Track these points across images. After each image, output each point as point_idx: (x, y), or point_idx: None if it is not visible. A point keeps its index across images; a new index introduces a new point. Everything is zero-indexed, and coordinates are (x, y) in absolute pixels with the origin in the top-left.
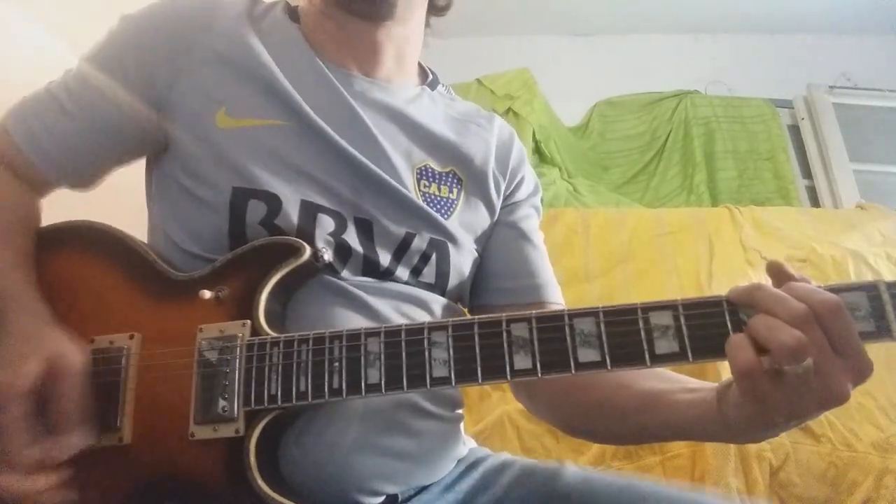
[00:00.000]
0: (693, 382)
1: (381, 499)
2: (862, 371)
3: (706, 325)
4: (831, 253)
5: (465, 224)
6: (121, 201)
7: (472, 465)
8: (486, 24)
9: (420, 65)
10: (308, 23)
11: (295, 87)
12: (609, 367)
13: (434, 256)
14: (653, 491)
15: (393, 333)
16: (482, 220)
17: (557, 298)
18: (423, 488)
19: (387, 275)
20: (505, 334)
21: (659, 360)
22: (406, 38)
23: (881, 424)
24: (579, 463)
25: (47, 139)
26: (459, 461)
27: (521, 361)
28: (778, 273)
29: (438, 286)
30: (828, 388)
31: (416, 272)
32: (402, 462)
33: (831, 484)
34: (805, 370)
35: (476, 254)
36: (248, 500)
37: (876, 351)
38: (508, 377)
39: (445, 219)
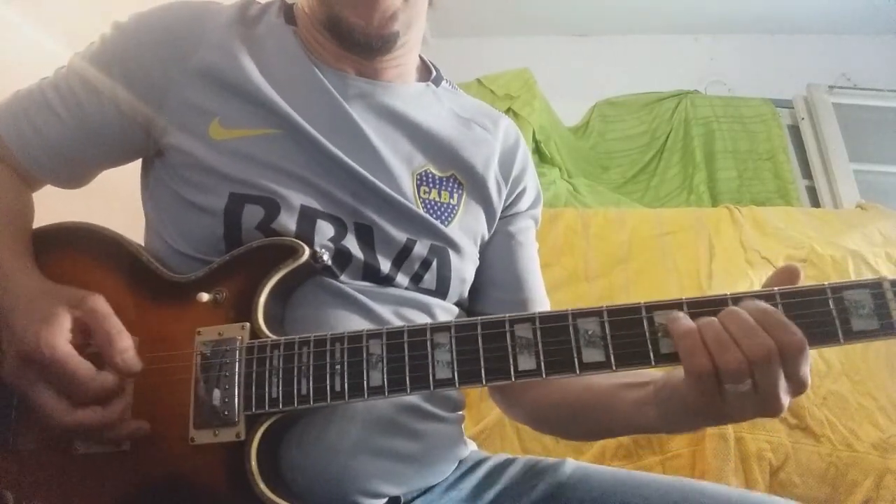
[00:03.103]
0: (636, 376)
1: (384, 500)
2: (799, 391)
3: None
4: (831, 253)
5: (466, 229)
6: (118, 201)
7: (475, 465)
8: (486, 24)
9: (422, 59)
10: (303, 28)
11: (285, 95)
12: (614, 368)
13: (435, 263)
14: (652, 481)
15: (395, 335)
16: (482, 225)
17: None
18: (426, 490)
19: (387, 281)
20: (508, 335)
21: (664, 359)
22: (408, 45)
23: (881, 424)
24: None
25: (35, 140)
26: (461, 462)
27: (526, 362)
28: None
29: (440, 292)
30: (766, 402)
31: (416, 279)
32: (403, 464)
33: (831, 484)
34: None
35: (477, 258)
36: (250, 503)
37: (876, 351)
38: (513, 378)
39: (446, 225)
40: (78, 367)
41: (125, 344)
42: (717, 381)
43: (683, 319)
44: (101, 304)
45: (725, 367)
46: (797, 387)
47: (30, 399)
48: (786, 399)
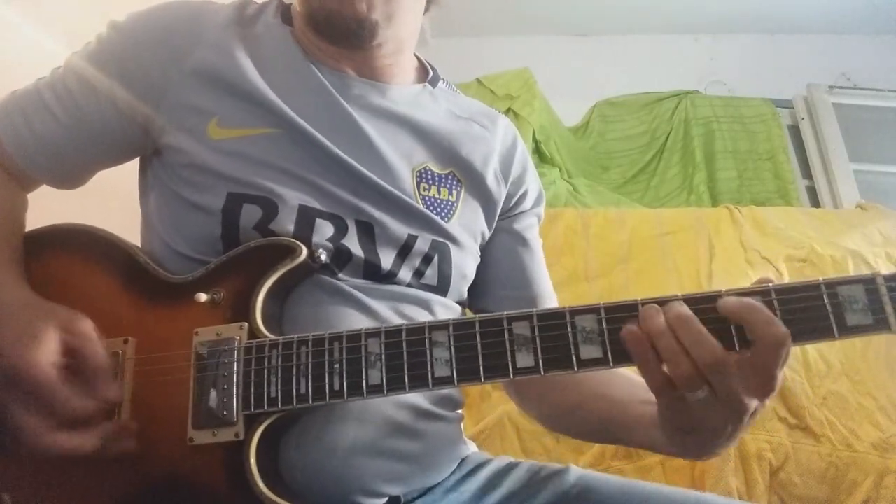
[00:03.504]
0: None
1: (384, 500)
2: (768, 392)
3: (705, 321)
4: (831, 253)
5: (466, 225)
6: (115, 201)
7: (477, 468)
8: (486, 24)
9: (420, 60)
10: (299, 27)
11: (283, 94)
12: (611, 364)
13: (436, 258)
14: (657, 492)
15: (393, 333)
16: (480, 221)
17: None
18: (427, 490)
19: (389, 277)
20: (506, 333)
21: None
22: (400, 38)
23: (881, 424)
24: (579, 463)
25: (32, 140)
26: (463, 463)
27: (524, 359)
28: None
29: (440, 288)
30: (732, 409)
31: (418, 274)
32: (402, 463)
33: (831, 484)
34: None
35: (478, 255)
36: (250, 503)
37: (876, 351)
38: (511, 375)
39: (446, 221)
40: (57, 391)
41: (109, 376)
42: (674, 390)
43: (635, 330)
44: (89, 328)
45: (677, 377)
46: (761, 385)
47: (10, 416)
48: (751, 401)
